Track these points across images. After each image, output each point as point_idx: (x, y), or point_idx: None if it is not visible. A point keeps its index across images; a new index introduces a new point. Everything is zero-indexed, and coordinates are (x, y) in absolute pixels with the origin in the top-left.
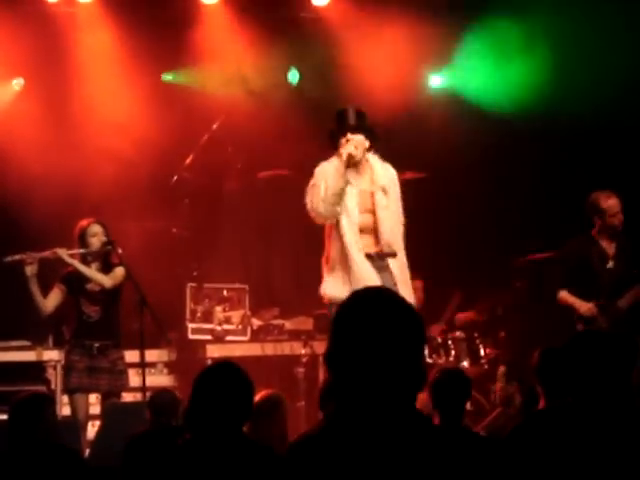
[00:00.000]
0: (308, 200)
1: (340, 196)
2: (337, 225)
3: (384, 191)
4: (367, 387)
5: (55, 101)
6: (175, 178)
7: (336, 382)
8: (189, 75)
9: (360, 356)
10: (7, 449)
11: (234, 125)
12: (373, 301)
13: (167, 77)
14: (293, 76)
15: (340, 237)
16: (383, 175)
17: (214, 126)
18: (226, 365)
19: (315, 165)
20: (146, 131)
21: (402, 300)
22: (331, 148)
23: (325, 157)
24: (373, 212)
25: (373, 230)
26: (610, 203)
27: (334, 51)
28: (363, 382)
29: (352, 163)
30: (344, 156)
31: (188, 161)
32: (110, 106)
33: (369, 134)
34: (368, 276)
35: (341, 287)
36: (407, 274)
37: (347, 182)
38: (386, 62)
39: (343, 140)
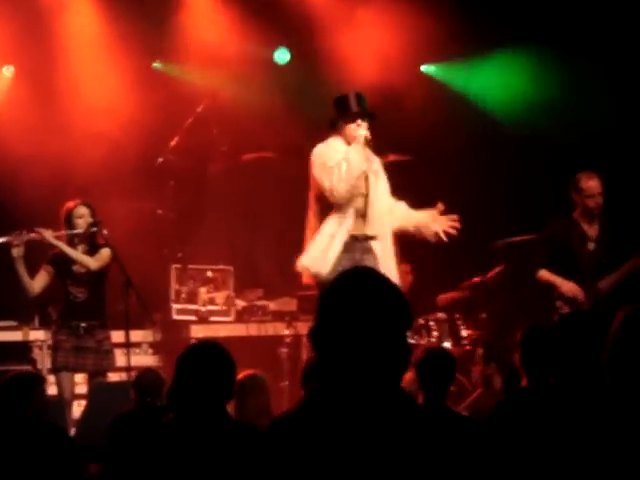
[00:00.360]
0: (326, 180)
1: (361, 177)
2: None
3: (376, 175)
4: (351, 365)
5: (42, 84)
6: (160, 160)
7: (320, 359)
8: (177, 69)
9: (345, 334)
10: None
11: (219, 107)
12: (360, 280)
13: (157, 65)
14: (282, 55)
15: (343, 219)
16: (375, 160)
17: (199, 108)
18: (209, 345)
19: (299, 147)
20: (132, 113)
21: (388, 281)
22: (330, 132)
23: (309, 140)
24: (365, 195)
25: (362, 212)
26: (590, 184)
27: (319, 34)
28: (347, 360)
29: (368, 146)
30: (361, 140)
31: (173, 143)
32: (97, 89)
33: (372, 118)
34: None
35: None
36: (392, 257)
37: (366, 164)
38: (372, 47)
39: (353, 125)
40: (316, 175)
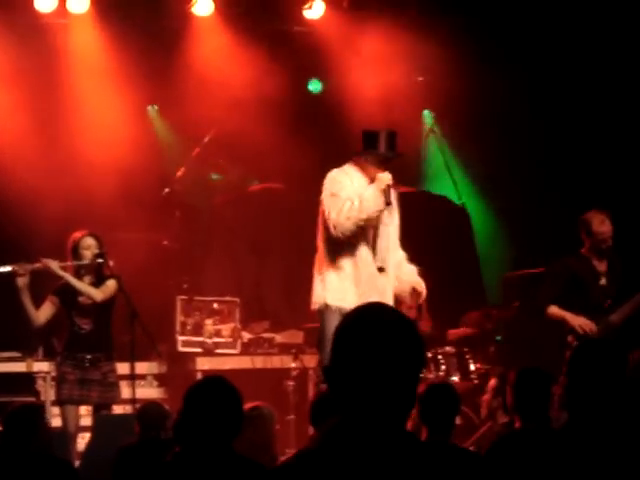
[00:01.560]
0: (332, 211)
1: (372, 223)
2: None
3: (389, 210)
4: (365, 403)
5: (47, 113)
6: (167, 190)
7: (334, 396)
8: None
9: (359, 372)
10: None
11: (225, 138)
12: (377, 317)
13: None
14: (315, 86)
15: (354, 248)
16: (392, 192)
17: (205, 139)
18: (216, 380)
19: (307, 178)
20: (138, 144)
21: (405, 319)
22: (349, 160)
23: (317, 170)
24: (375, 227)
25: (372, 244)
26: (603, 229)
27: (328, 64)
28: (360, 398)
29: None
30: (383, 186)
31: (180, 174)
32: (102, 118)
33: (398, 158)
34: (381, 289)
35: (350, 297)
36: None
37: (382, 211)
38: (378, 75)
39: (375, 165)
40: (324, 202)
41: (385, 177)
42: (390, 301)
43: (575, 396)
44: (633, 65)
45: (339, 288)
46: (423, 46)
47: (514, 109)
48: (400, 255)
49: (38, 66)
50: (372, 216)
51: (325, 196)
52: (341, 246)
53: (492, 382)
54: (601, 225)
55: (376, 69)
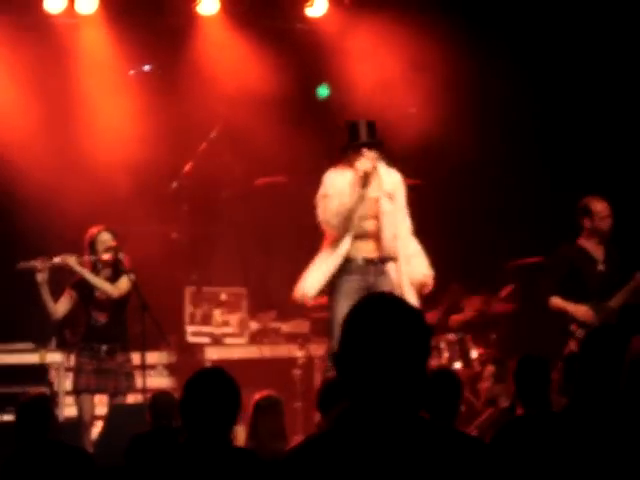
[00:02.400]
0: (320, 212)
1: (355, 211)
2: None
3: (390, 197)
4: (375, 390)
5: (57, 112)
6: (174, 185)
7: (344, 384)
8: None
9: (368, 358)
10: (14, 450)
11: (232, 133)
12: (385, 305)
13: None
14: (322, 91)
15: (335, 244)
16: (388, 181)
17: (212, 134)
18: (214, 371)
19: (311, 171)
20: (146, 139)
21: (412, 307)
22: (341, 159)
23: (322, 164)
24: (377, 217)
25: (376, 235)
26: (600, 207)
27: (332, 61)
28: (371, 385)
29: (368, 181)
30: (360, 173)
31: (187, 168)
32: (110, 114)
33: (380, 146)
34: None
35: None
36: (407, 279)
37: (362, 199)
38: (380, 72)
39: (357, 155)
40: (317, 203)
41: (362, 164)
42: (401, 289)
43: (584, 381)
44: (634, 63)
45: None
46: (424, 43)
47: (516, 104)
48: (413, 248)
49: (48, 66)
50: (352, 205)
51: (317, 196)
52: (336, 239)
53: (489, 369)
54: (598, 204)
55: (377, 66)
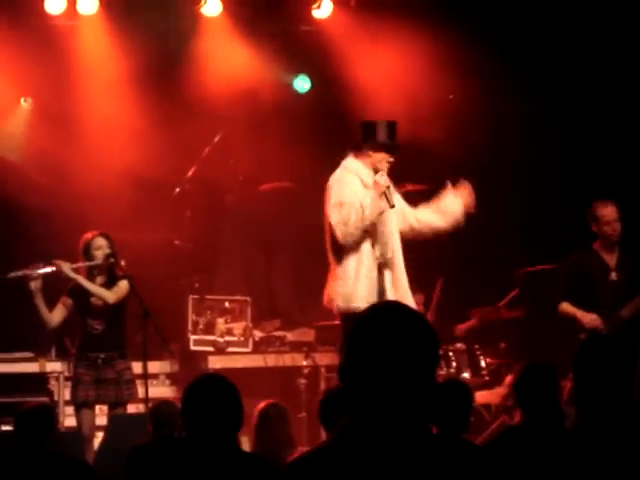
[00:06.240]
0: (339, 223)
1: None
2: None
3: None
4: (381, 402)
5: (58, 114)
6: (177, 190)
7: (349, 395)
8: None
9: (375, 370)
10: (13, 460)
11: (235, 138)
12: (391, 315)
13: None
14: (302, 83)
15: (360, 250)
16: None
17: (216, 139)
18: (213, 377)
19: (317, 177)
20: (149, 144)
21: (420, 316)
22: (350, 153)
23: (327, 169)
24: (384, 224)
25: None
26: (605, 211)
27: (335, 63)
28: (377, 397)
29: (390, 196)
30: (382, 188)
31: (190, 174)
32: (113, 119)
33: (399, 150)
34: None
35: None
36: (406, 285)
37: (382, 212)
38: (387, 74)
39: (380, 155)
40: (328, 212)
41: (381, 180)
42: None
43: (581, 392)
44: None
45: (349, 289)
46: (430, 45)
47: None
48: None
49: (48, 67)
50: (375, 220)
51: (330, 205)
52: (348, 248)
53: (509, 378)
54: (604, 208)
55: (383, 67)
